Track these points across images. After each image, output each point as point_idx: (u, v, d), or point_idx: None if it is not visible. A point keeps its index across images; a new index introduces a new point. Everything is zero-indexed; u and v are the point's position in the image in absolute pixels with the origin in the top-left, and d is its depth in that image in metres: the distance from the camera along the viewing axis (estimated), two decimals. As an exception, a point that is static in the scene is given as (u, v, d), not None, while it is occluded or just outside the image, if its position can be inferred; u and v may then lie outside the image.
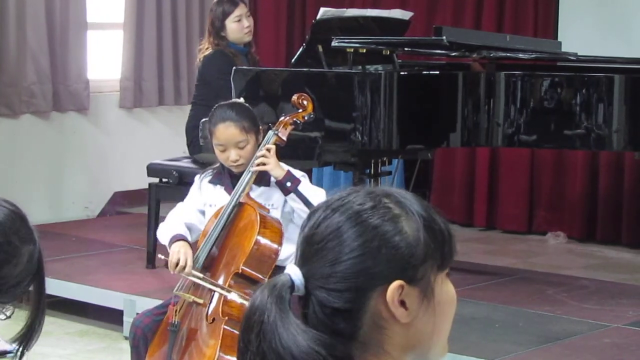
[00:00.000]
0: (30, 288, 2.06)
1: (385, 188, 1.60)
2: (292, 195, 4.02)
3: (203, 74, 6.25)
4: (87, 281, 5.87)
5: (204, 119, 5.56)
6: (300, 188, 4.01)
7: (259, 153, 4.05)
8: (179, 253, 3.93)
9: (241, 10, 6.25)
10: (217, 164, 4.19)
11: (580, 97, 5.41)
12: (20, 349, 2.06)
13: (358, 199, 1.56)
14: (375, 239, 1.53)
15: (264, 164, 4.02)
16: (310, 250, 1.55)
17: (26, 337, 2.04)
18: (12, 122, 7.35)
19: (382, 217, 1.54)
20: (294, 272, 1.54)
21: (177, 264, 3.92)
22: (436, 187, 7.57)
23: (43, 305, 2.06)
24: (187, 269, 3.91)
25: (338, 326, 1.52)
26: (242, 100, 4.29)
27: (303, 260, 1.56)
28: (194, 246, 4.10)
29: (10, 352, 2.35)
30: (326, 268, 1.53)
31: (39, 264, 2.04)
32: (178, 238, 4.00)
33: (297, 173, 4.11)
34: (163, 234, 4.08)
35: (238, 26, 6.20)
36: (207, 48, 6.22)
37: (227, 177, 4.14)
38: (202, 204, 4.19)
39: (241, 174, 4.07)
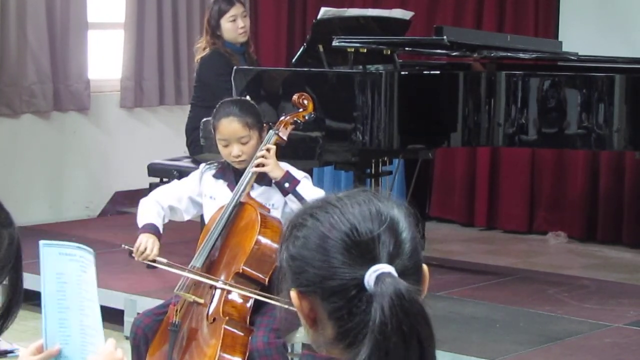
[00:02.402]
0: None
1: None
2: (290, 196, 4.02)
3: (200, 75, 6.25)
4: (88, 281, 5.86)
5: (205, 119, 5.56)
6: (299, 189, 4.00)
7: (258, 153, 4.05)
8: (147, 243, 3.98)
9: (237, 10, 6.22)
10: (223, 159, 4.19)
11: (581, 97, 5.41)
12: None
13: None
14: None
15: (263, 165, 4.02)
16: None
17: (2, 319, 2.04)
18: (12, 121, 7.35)
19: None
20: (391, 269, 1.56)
21: (142, 252, 3.98)
22: (437, 187, 7.57)
23: (20, 289, 2.06)
24: (151, 256, 3.97)
25: None
26: (247, 97, 4.29)
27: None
28: (195, 239, 4.10)
29: (10, 352, 2.35)
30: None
31: (18, 247, 2.04)
32: (147, 229, 4.04)
33: (300, 174, 4.11)
34: (140, 214, 4.12)
35: (233, 26, 6.18)
36: (204, 48, 6.21)
37: (231, 174, 4.14)
38: (198, 194, 4.19)
39: (245, 170, 4.07)
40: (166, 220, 4.20)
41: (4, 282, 2.06)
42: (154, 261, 4.00)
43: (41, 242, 2.10)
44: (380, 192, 1.63)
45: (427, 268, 1.62)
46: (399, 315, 1.49)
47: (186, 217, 4.25)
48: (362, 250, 1.54)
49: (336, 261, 1.54)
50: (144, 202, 4.16)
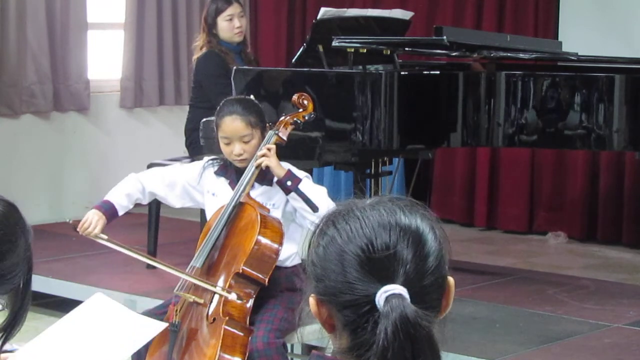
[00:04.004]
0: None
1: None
2: (293, 194, 4.01)
3: (197, 76, 6.25)
4: (88, 281, 5.87)
5: (205, 119, 5.56)
6: (301, 187, 4.00)
7: (259, 153, 4.05)
8: (91, 221, 4.03)
9: (234, 9, 6.21)
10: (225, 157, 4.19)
11: (581, 97, 5.41)
12: (4, 336, 2.07)
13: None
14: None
15: (265, 157, 4.01)
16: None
17: (11, 325, 2.06)
18: (12, 122, 7.35)
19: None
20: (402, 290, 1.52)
21: (86, 229, 4.03)
22: (437, 187, 7.57)
23: (29, 295, 2.08)
24: (92, 234, 4.02)
25: None
26: (251, 97, 4.29)
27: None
28: (194, 239, 4.10)
29: (10, 351, 2.35)
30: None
31: (31, 254, 2.07)
32: (100, 207, 4.10)
33: (300, 173, 4.11)
34: (114, 190, 4.19)
35: (229, 25, 6.17)
36: (201, 47, 6.21)
37: (233, 172, 4.14)
38: (194, 186, 4.19)
39: (246, 169, 4.07)
40: (144, 202, 4.26)
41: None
42: (97, 238, 4.04)
43: (99, 294, 2.15)
44: (406, 201, 1.59)
45: (453, 281, 1.58)
46: (401, 341, 1.46)
47: (177, 205, 4.26)
48: (377, 267, 1.51)
49: (350, 276, 1.51)
50: (127, 179, 4.22)
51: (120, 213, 4.14)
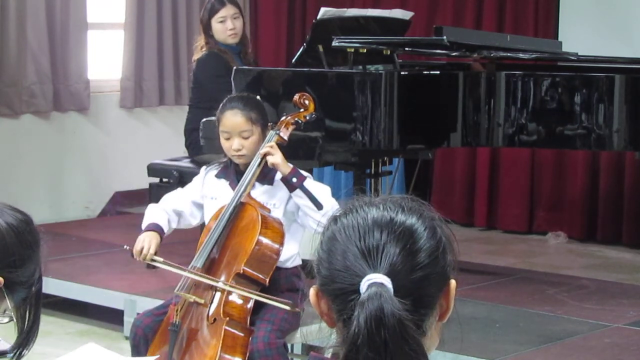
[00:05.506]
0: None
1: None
2: (297, 191, 4.01)
3: (197, 76, 6.24)
4: (88, 281, 5.87)
5: (205, 119, 5.56)
6: (306, 184, 4.01)
7: (262, 150, 4.04)
8: (144, 242, 4.00)
9: (227, 11, 6.18)
10: (225, 158, 4.18)
11: (581, 97, 5.41)
12: (21, 350, 2.09)
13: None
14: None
15: (270, 154, 4.01)
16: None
17: (27, 338, 2.07)
18: (12, 122, 7.35)
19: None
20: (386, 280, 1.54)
21: (140, 253, 3.98)
22: (437, 187, 7.57)
23: (40, 305, 2.10)
24: (148, 256, 3.98)
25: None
26: (257, 97, 4.30)
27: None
28: (195, 240, 4.10)
29: (10, 352, 2.35)
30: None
31: (40, 267, 2.11)
32: (149, 228, 4.06)
33: (303, 173, 4.11)
34: (146, 217, 4.14)
35: (222, 27, 6.16)
36: (201, 47, 6.21)
37: (233, 173, 4.14)
38: (201, 196, 4.19)
39: (246, 170, 4.06)
40: (173, 225, 4.18)
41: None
42: (153, 261, 4.01)
43: (92, 343, 2.17)
44: (411, 202, 1.61)
45: (455, 283, 1.60)
46: (372, 329, 1.47)
47: (193, 222, 4.24)
48: (365, 258, 1.54)
49: (340, 265, 1.55)
50: (148, 208, 4.20)
51: (166, 232, 4.10)
